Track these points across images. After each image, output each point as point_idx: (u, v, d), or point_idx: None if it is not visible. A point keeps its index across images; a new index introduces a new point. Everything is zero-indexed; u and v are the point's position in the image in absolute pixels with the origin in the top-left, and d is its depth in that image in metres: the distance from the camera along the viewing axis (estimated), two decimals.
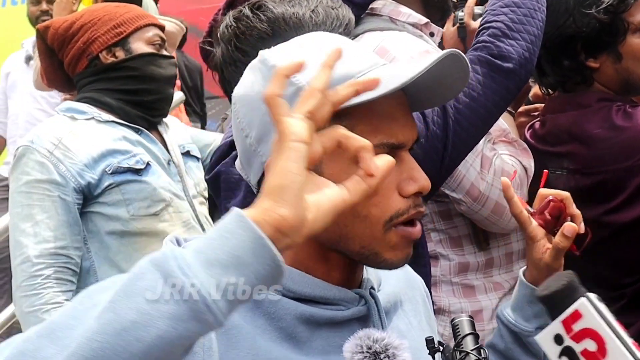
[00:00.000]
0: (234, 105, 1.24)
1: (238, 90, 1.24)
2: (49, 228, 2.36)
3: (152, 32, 2.60)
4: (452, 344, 1.26)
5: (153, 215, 2.47)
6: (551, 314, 1.21)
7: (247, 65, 1.25)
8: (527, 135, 2.38)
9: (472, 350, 1.22)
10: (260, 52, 1.22)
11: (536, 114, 2.51)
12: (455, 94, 1.29)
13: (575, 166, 2.21)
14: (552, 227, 1.47)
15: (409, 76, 1.09)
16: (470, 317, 1.27)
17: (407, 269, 1.44)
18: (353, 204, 0.96)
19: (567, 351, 1.17)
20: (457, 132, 1.81)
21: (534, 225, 1.47)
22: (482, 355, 1.21)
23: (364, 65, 1.16)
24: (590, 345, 1.16)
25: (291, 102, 0.99)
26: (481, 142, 2.08)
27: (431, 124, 1.79)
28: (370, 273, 1.28)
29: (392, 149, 1.14)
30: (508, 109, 2.30)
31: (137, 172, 2.45)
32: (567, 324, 1.18)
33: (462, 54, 1.15)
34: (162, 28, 2.67)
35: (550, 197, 1.46)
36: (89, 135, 2.46)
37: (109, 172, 2.41)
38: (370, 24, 2.18)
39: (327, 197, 0.94)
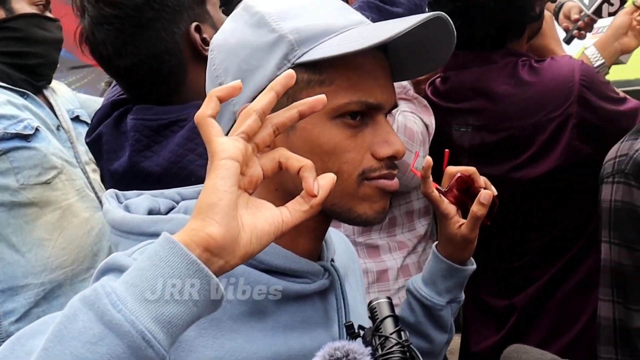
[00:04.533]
0: (210, 52, 1.20)
1: (217, 37, 1.20)
2: None
3: None
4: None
5: (44, 184, 2.32)
6: None
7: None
8: (428, 92, 2.36)
9: (391, 333, 1.19)
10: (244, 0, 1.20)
11: None
12: (440, 63, 1.27)
13: (480, 122, 2.19)
14: (461, 202, 1.49)
15: (390, 33, 1.06)
16: (389, 298, 1.25)
17: (345, 239, 1.46)
18: (293, 224, 0.93)
19: None
20: None
21: (446, 203, 1.48)
22: (403, 338, 1.18)
23: (348, 21, 1.14)
24: None
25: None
26: None
27: None
28: (329, 245, 1.27)
29: (369, 109, 1.14)
30: None
31: (26, 138, 2.29)
32: None
33: (449, 19, 1.13)
34: None
35: (458, 174, 1.47)
36: None
37: None
38: None
39: (264, 218, 0.90)
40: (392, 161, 1.16)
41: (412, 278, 1.56)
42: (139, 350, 0.80)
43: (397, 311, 1.54)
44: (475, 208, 1.44)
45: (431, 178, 1.47)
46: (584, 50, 2.47)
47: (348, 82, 1.11)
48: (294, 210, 0.92)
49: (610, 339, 1.75)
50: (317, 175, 0.95)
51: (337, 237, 1.41)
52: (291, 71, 0.93)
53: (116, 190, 1.22)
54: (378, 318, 1.23)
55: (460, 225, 1.47)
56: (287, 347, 1.11)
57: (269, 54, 1.11)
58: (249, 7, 1.17)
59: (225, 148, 0.87)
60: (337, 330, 1.20)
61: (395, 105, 1.19)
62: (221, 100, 0.90)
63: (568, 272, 2.17)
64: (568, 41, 2.69)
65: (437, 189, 1.48)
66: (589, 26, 2.62)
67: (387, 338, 1.19)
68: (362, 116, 1.13)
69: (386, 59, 1.17)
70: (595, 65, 2.40)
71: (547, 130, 2.08)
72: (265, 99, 0.91)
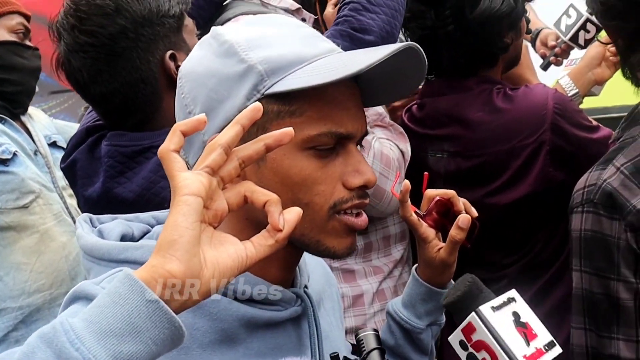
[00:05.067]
0: (179, 80, 1.19)
1: (185, 65, 1.19)
2: None
3: (15, 20, 2.46)
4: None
5: (22, 208, 2.34)
6: (456, 319, 1.21)
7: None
8: (405, 118, 2.37)
9: None
10: (213, 28, 1.19)
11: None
12: (411, 89, 1.28)
13: (455, 149, 2.21)
14: (440, 225, 1.48)
15: (362, 65, 1.06)
16: (376, 330, 1.25)
17: (322, 262, 1.44)
18: (258, 259, 0.92)
19: (472, 357, 1.19)
20: None
21: (424, 226, 1.48)
22: None
23: (319, 50, 1.14)
24: (487, 356, 1.17)
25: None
26: None
27: None
28: (302, 271, 1.27)
29: (340, 139, 1.13)
30: None
31: (4, 162, 2.31)
32: (466, 333, 1.20)
33: (421, 49, 1.13)
34: (27, 17, 2.52)
35: (437, 197, 1.47)
36: None
37: None
38: (241, 7, 2.15)
39: (227, 254, 0.90)
40: (363, 190, 1.15)
41: (392, 301, 1.56)
42: None
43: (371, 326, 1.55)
44: (453, 232, 1.44)
45: (409, 202, 1.47)
46: (558, 80, 2.50)
47: (319, 113, 1.11)
48: (259, 245, 0.92)
49: None
50: (287, 207, 0.95)
51: (314, 261, 1.40)
52: (257, 104, 0.93)
53: (90, 215, 1.21)
54: (365, 350, 1.24)
55: (439, 249, 1.47)
56: None
57: (238, 84, 1.10)
58: (217, 35, 1.16)
59: (188, 184, 0.87)
60: (310, 356, 1.20)
61: (366, 133, 1.19)
62: (185, 134, 0.90)
63: (543, 296, 2.19)
64: (545, 67, 2.72)
65: (416, 212, 1.48)
66: (565, 53, 2.65)
67: None
68: (333, 146, 1.13)
69: (357, 87, 1.17)
70: (569, 95, 2.44)
71: (521, 156, 2.10)
72: (231, 132, 0.91)
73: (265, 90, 1.09)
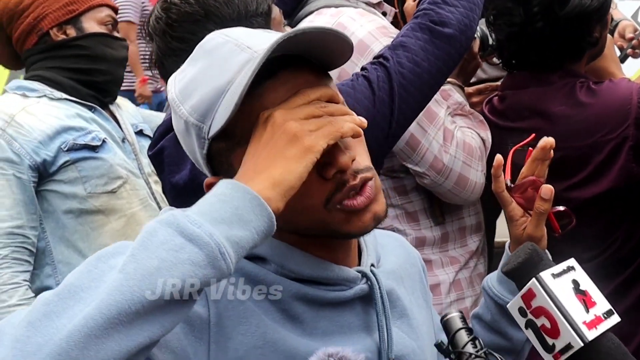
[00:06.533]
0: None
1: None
2: (4, 207, 2.30)
3: (104, 13, 2.55)
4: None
5: (110, 193, 2.43)
6: (517, 286, 1.23)
7: (188, 53, 1.20)
8: (485, 110, 2.37)
9: (463, 346, 1.22)
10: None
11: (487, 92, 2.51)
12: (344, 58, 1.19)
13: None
14: (528, 203, 1.51)
15: (245, 79, 1.03)
16: (460, 312, 1.27)
17: (406, 244, 1.46)
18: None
19: (531, 324, 1.20)
20: (403, 97, 1.82)
21: (513, 204, 1.51)
22: (478, 347, 1.21)
23: (233, 71, 1.08)
24: (546, 322, 1.18)
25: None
26: (442, 114, 2.10)
27: (377, 89, 1.80)
28: (369, 249, 1.28)
29: None
30: (457, 83, 2.33)
31: (94, 149, 2.41)
32: (526, 299, 1.21)
33: (308, 31, 1.07)
34: (114, 9, 2.61)
35: (532, 177, 1.50)
36: (42, 112, 2.39)
37: (65, 149, 2.36)
38: (322, 0, 2.17)
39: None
40: (346, 174, 1.11)
41: (488, 276, 1.57)
42: (215, 260, 0.92)
43: (448, 309, 1.57)
44: (537, 204, 1.46)
45: (502, 176, 1.50)
46: None
47: None
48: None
49: None
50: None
51: (395, 243, 1.42)
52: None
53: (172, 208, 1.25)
54: (450, 333, 1.27)
55: (525, 227, 1.49)
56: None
57: (190, 139, 1.13)
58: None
59: (314, 144, 1.02)
60: (378, 335, 1.21)
61: (335, 100, 1.13)
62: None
63: (622, 294, 2.16)
64: (622, 60, 2.68)
65: (507, 185, 1.51)
66: None
67: (461, 352, 1.22)
68: None
69: (298, 69, 1.12)
70: None
71: (603, 151, 2.09)
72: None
73: (208, 136, 1.10)
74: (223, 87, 1.08)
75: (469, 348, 1.21)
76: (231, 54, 1.10)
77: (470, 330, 1.24)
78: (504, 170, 1.52)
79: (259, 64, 1.03)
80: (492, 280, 1.54)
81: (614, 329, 2.13)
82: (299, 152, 1.01)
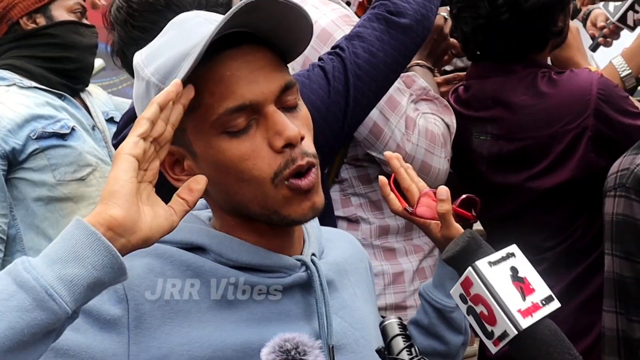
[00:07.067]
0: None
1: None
2: None
3: (73, 1, 2.56)
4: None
5: (79, 180, 2.44)
6: (458, 273, 1.25)
7: (149, 41, 1.23)
8: (451, 99, 2.39)
9: (399, 352, 1.26)
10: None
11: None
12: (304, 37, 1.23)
13: (499, 132, 2.23)
14: (430, 213, 1.58)
15: (201, 47, 1.09)
16: (399, 318, 1.30)
17: (355, 243, 1.49)
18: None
19: (471, 310, 1.22)
20: (358, 87, 1.83)
21: (420, 219, 1.59)
22: (413, 354, 1.24)
23: (197, 39, 1.13)
24: (484, 310, 1.20)
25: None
26: (404, 103, 2.11)
27: (332, 79, 1.81)
28: (311, 240, 1.31)
29: (249, 111, 1.14)
30: (427, 65, 2.34)
31: (62, 136, 2.42)
32: (465, 287, 1.23)
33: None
34: None
35: (424, 191, 1.58)
36: (11, 100, 2.41)
37: (34, 137, 2.37)
38: None
39: (162, 212, 1.04)
40: (295, 151, 1.15)
41: (424, 283, 1.60)
42: (42, 302, 0.93)
43: (414, 315, 1.60)
44: (438, 207, 1.51)
45: (393, 195, 1.60)
46: (611, 60, 2.47)
47: (212, 98, 1.13)
48: (178, 211, 1.06)
49: (615, 350, 1.77)
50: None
51: (343, 239, 1.46)
52: (176, 81, 1.05)
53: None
54: (387, 339, 1.29)
55: (440, 229, 1.55)
56: (259, 337, 1.15)
57: (148, 100, 1.12)
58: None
59: (125, 146, 1.01)
60: (317, 323, 1.23)
61: (288, 86, 1.17)
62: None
63: (583, 282, 2.19)
64: (594, 49, 2.69)
65: (405, 209, 1.58)
66: (614, 34, 2.62)
67: (395, 359, 1.24)
68: (247, 119, 1.14)
69: (256, 48, 1.16)
70: (621, 76, 2.40)
71: (563, 141, 2.11)
72: (151, 109, 1.03)
73: None
74: (187, 50, 1.14)
75: (404, 355, 1.24)
76: (199, 26, 1.17)
77: (407, 337, 1.26)
78: (399, 191, 1.61)
79: (222, 22, 1.08)
80: (428, 286, 1.58)
81: (573, 318, 2.17)
82: (118, 162, 1.01)
